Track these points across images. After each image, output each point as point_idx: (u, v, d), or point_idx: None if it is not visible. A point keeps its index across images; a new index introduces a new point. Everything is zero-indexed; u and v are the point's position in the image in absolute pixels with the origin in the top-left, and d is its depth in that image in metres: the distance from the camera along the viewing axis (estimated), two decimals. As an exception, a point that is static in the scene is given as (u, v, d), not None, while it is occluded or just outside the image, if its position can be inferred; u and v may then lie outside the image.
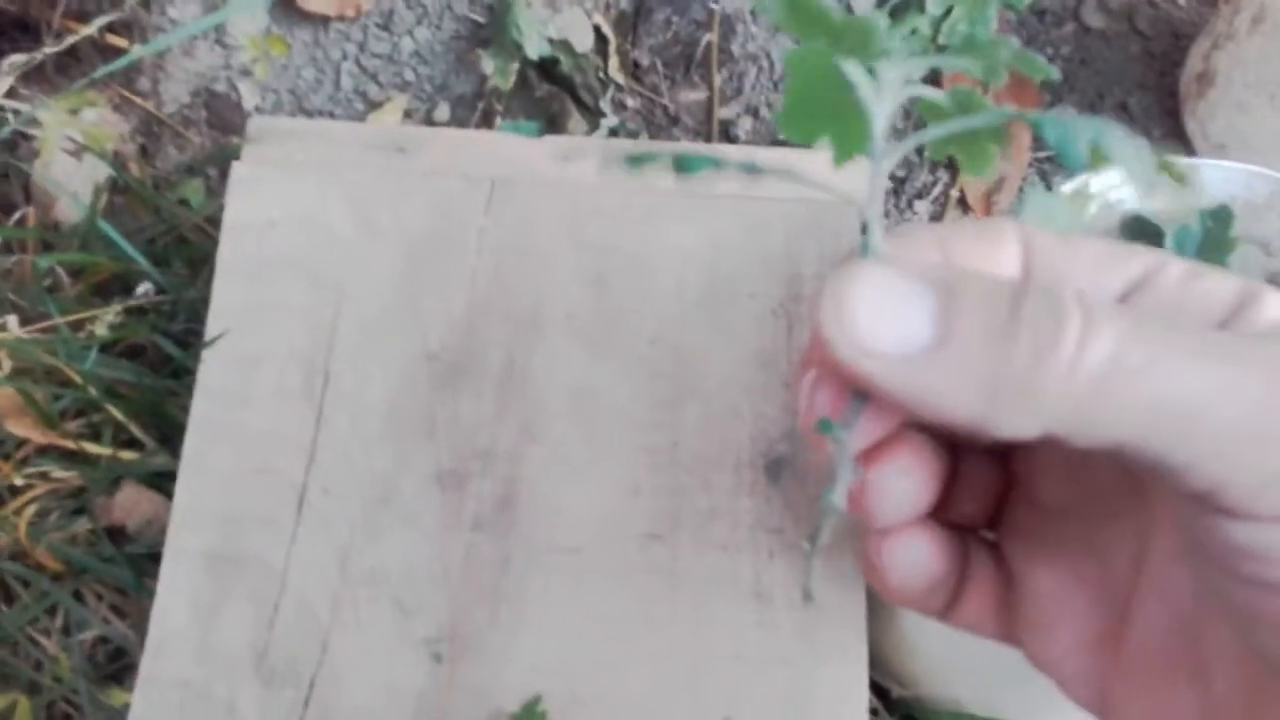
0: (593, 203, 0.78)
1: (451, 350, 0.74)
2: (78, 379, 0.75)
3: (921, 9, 0.72)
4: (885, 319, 0.30)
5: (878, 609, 0.70)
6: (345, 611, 0.69)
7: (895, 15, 0.74)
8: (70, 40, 0.87)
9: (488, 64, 0.87)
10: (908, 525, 0.39)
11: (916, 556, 0.38)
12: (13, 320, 0.71)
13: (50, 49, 0.86)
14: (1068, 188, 0.62)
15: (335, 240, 0.76)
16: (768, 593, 0.69)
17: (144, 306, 0.78)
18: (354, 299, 0.75)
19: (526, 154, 0.79)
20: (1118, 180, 0.62)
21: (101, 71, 0.87)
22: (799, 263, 0.77)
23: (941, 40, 0.73)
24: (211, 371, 0.73)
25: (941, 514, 0.40)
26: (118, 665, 0.81)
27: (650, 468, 0.72)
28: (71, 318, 0.75)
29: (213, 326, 0.74)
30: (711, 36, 0.91)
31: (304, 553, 0.70)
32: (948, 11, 0.72)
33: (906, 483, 0.36)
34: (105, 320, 0.74)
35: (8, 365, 0.72)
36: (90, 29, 0.89)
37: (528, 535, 0.71)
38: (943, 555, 0.39)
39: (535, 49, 0.87)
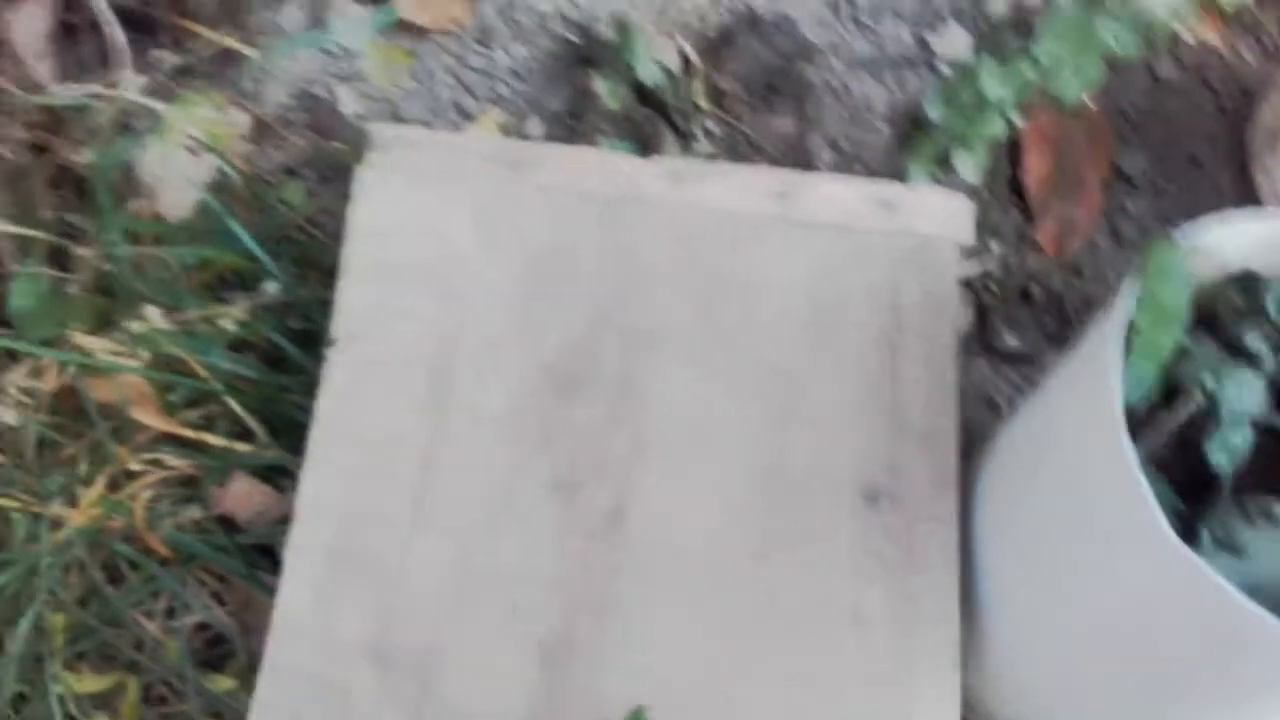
0: (704, 225, 0.81)
1: (567, 362, 0.77)
2: (202, 371, 0.78)
3: (1029, 56, 0.75)
4: None
5: (969, 641, 0.73)
6: (460, 611, 0.72)
7: (1004, 60, 0.77)
8: (218, 47, 0.90)
9: (600, 85, 0.90)
10: None
11: None
12: (154, 312, 0.74)
13: (202, 51, 0.89)
14: (1185, 237, 0.65)
15: (458, 251, 0.79)
16: (866, 616, 0.72)
17: (265, 305, 0.81)
18: (475, 308, 0.78)
19: (640, 174, 0.82)
20: (1229, 235, 0.66)
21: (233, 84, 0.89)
22: (901, 294, 0.80)
23: (1048, 89, 0.76)
24: (337, 372, 0.76)
25: None
26: (217, 651, 0.84)
27: (755, 486, 0.75)
28: (205, 313, 0.77)
29: (338, 328, 0.76)
30: (807, 69, 0.94)
31: (421, 551, 0.73)
32: (1055, 60, 0.75)
33: None
34: (233, 316, 0.77)
35: (143, 355, 0.74)
36: (230, 41, 0.92)
37: (637, 546, 0.74)
38: None
39: (647, 74, 0.90)
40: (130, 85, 0.85)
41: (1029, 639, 0.71)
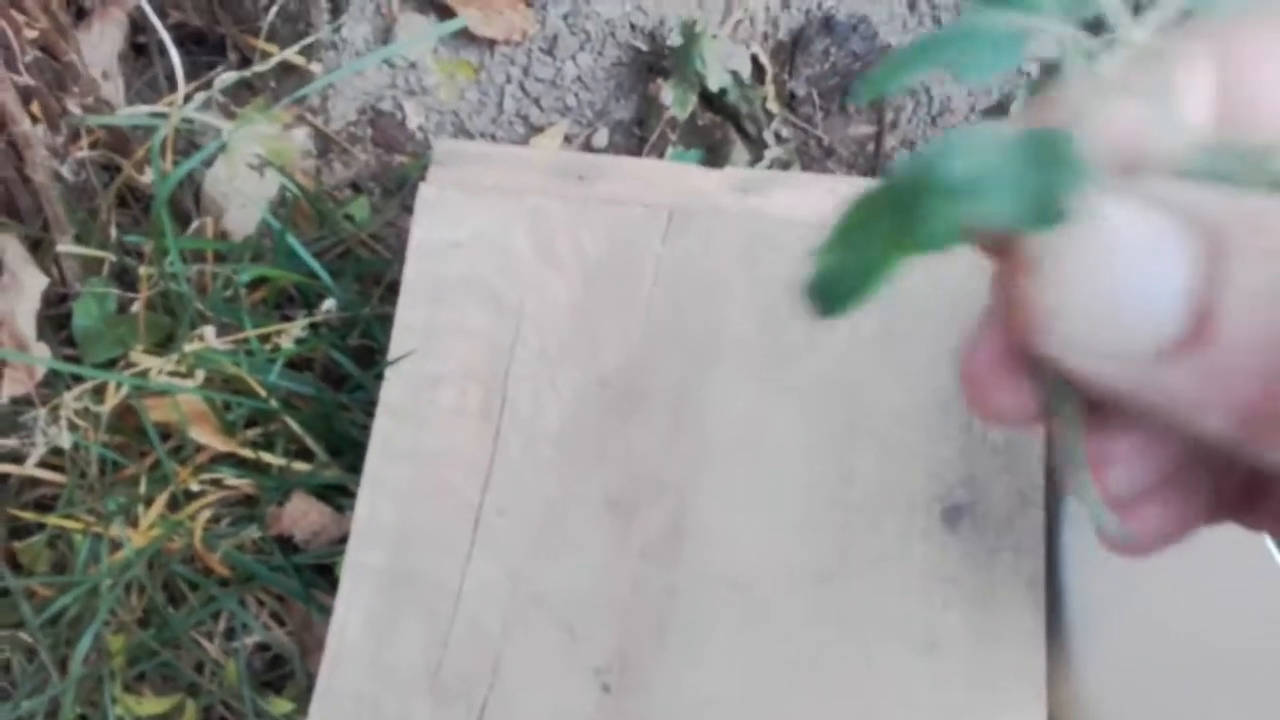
0: (770, 235, 0.78)
1: (625, 378, 0.75)
2: (260, 390, 0.77)
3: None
4: (1119, 304, 0.19)
5: (1053, 669, 0.68)
6: (516, 634, 0.69)
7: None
8: (274, 60, 0.89)
9: (668, 94, 0.88)
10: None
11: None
12: (209, 331, 0.73)
13: (259, 68, 0.89)
14: None
15: (517, 264, 0.77)
16: (941, 642, 0.68)
17: (325, 322, 0.79)
18: (532, 323, 0.76)
19: (704, 185, 0.80)
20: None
21: (293, 96, 0.89)
22: (979, 305, 0.75)
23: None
24: (394, 390, 0.74)
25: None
26: (276, 673, 0.83)
27: (821, 506, 0.71)
28: (260, 331, 0.76)
29: (396, 345, 0.75)
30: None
31: (478, 573, 0.70)
32: None
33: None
34: (291, 334, 0.76)
35: (200, 375, 0.74)
36: (288, 52, 0.91)
37: (695, 567, 0.71)
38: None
39: (717, 81, 0.87)
40: (194, 104, 0.85)
41: (1122, 670, 0.66)
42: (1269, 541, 0.52)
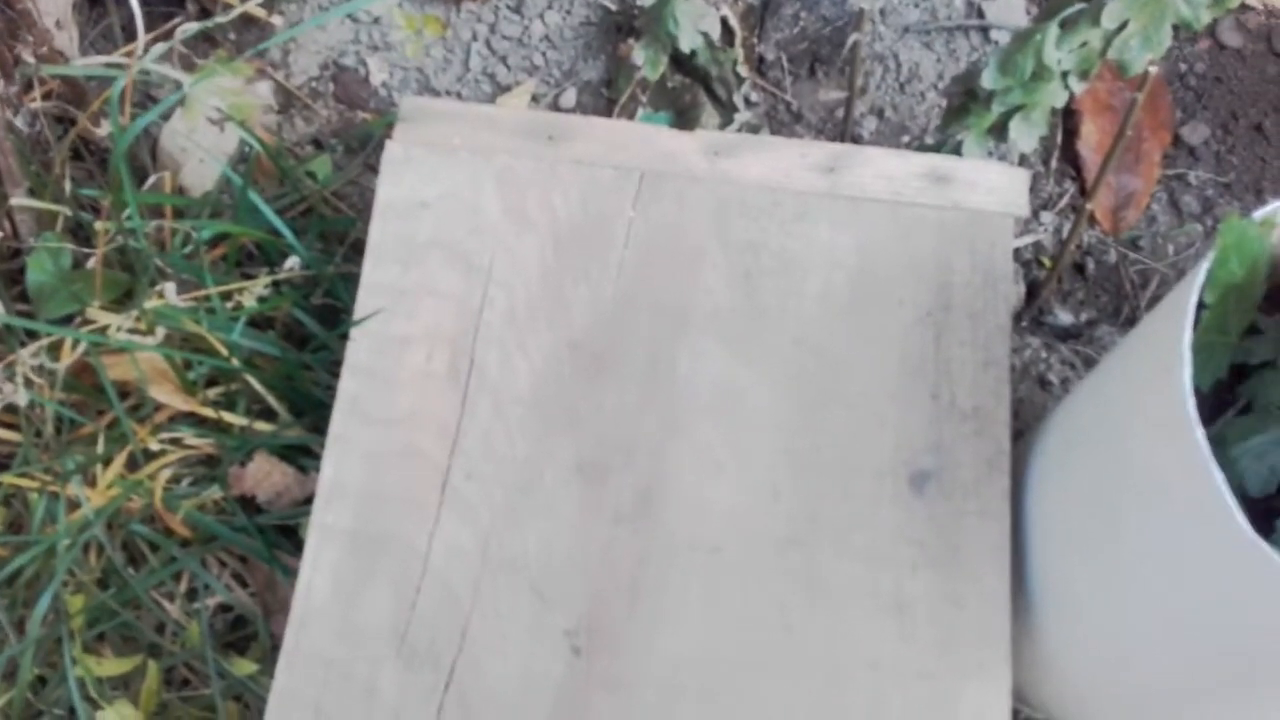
0: (742, 199, 0.78)
1: (596, 341, 0.74)
2: (222, 349, 0.75)
3: (1096, 22, 0.71)
4: None
5: (1019, 631, 0.69)
6: (486, 598, 0.69)
7: (1067, 26, 0.72)
8: (235, 12, 0.87)
9: (639, 55, 0.87)
10: None
11: None
12: (170, 288, 0.72)
13: (220, 19, 0.86)
14: (1259, 214, 0.61)
15: (486, 226, 0.76)
16: (909, 605, 0.69)
17: (287, 281, 0.78)
18: (502, 285, 0.75)
19: (677, 147, 0.79)
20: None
21: (254, 50, 0.87)
22: (950, 271, 0.76)
23: (1112, 55, 0.71)
24: (360, 350, 0.73)
25: None
26: (239, 634, 0.82)
27: (791, 470, 0.72)
28: (223, 288, 0.75)
29: (363, 305, 0.74)
30: (858, 36, 0.90)
31: (446, 536, 0.70)
32: (1121, 26, 0.71)
33: None
34: (253, 292, 0.74)
35: (160, 333, 0.72)
36: (249, 4, 0.89)
37: (667, 531, 0.70)
38: None
39: (689, 42, 0.86)
40: (152, 55, 0.83)
41: (1084, 631, 0.67)
42: (1234, 507, 0.52)
